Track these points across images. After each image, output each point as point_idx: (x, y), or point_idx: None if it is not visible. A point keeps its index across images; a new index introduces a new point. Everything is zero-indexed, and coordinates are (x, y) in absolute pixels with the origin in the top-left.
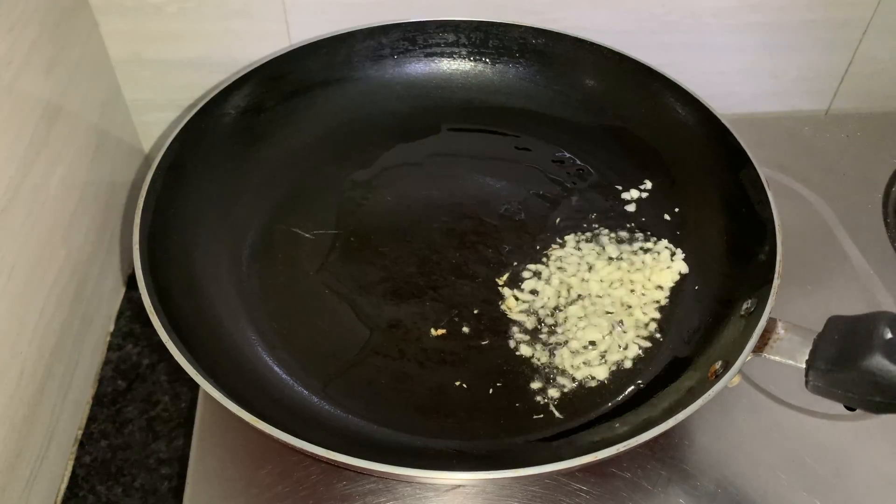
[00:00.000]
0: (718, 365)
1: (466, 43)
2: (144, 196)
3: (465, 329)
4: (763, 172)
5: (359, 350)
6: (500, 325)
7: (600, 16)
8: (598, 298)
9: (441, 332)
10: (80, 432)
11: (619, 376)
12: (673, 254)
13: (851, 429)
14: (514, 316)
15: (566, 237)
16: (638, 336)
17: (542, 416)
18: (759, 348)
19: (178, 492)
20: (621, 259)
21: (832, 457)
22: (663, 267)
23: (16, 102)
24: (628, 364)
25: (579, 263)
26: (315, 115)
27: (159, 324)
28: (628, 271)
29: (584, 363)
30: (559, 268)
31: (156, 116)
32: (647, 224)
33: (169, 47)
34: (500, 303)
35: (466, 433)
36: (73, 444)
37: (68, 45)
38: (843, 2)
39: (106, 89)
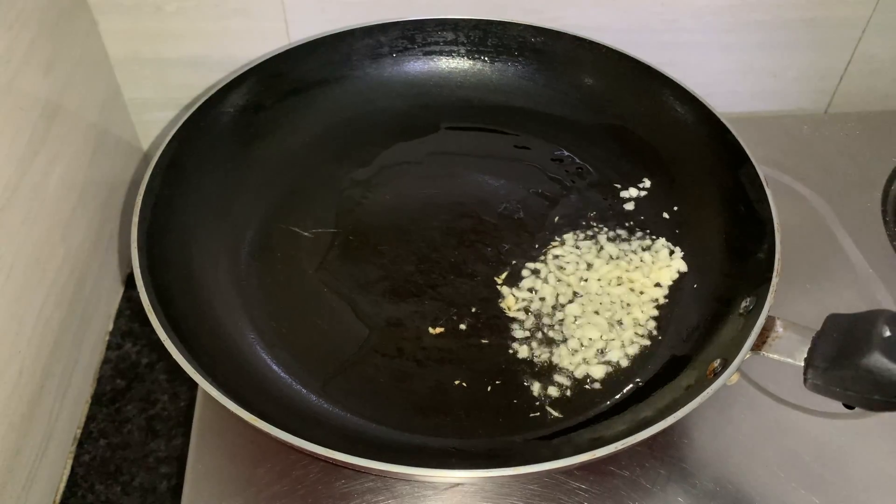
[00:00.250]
0: (717, 363)
1: (465, 41)
2: (143, 195)
3: (464, 327)
4: (762, 171)
5: (358, 349)
6: (499, 323)
7: (600, 14)
8: (596, 297)
9: (440, 330)
10: (79, 431)
11: (618, 374)
12: (672, 252)
13: (850, 427)
14: (512, 314)
15: (565, 235)
16: (636, 334)
17: (540, 414)
18: (758, 346)
19: (177, 491)
20: (620, 257)
21: (831, 455)
22: (662, 265)
23: (14, 101)
24: (627, 362)
25: (578, 262)
26: (314, 114)
27: (158, 323)
28: (627, 270)
29: (582, 361)
30: (558, 266)
31: (155, 115)
32: (646, 222)
33: (168, 46)
34: (498, 301)
35: (465, 431)
36: (72, 443)
37: (67, 43)
38: (843, 0)
39: (105, 88)
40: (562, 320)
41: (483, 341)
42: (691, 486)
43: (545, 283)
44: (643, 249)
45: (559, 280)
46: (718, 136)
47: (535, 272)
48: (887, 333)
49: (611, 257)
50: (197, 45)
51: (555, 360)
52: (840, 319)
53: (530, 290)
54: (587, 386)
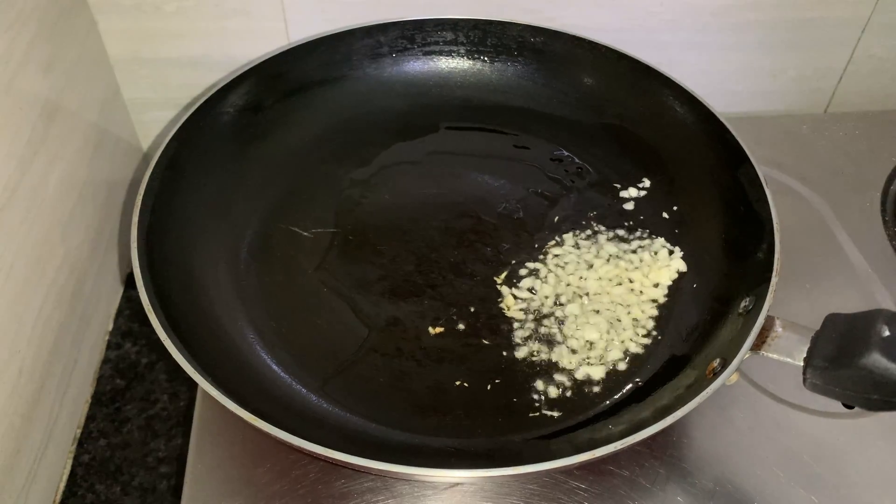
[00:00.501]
0: (716, 363)
1: (465, 41)
2: (143, 195)
3: (463, 327)
4: (761, 171)
5: (357, 348)
6: (499, 323)
7: (599, 14)
8: (596, 297)
9: (439, 330)
10: (79, 431)
11: (617, 374)
12: (671, 252)
13: (849, 426)
14: (512, 314)
15: (565, 235)
16: (636, 334)
17: (539, 414)
18: (757, 346)
19: (177, 490)
20: (619, 257)
21: (830, 454)
22: (661, 265)
23: (14, 101)
24: (626, 362)
25: (578, 262)
26: (313, 114)
27: (158, 323)
28: (626, 269)
29: (582, 361)
30: (557, 266)
31: (154, 115)
32: (646, 222)
33: (167, 46)
34: (498, 301)
35: (464, 431)
36: (71, 443)
37: (67, 43)
38: (842, 0)
39: (104, 88)
40: (561, 320)
41: (482, 341)
42: (690, 486)
43: (545, 283)
44: (643, 249)
45: (559, 280)
46: (718, 136)
47: (535, 272)
48: (886, 333)
49: (610, 257)
50: (196, 45)
51: (554, 359)
52: (839, 319)
53: (530, 289)
54: (586, 385)
